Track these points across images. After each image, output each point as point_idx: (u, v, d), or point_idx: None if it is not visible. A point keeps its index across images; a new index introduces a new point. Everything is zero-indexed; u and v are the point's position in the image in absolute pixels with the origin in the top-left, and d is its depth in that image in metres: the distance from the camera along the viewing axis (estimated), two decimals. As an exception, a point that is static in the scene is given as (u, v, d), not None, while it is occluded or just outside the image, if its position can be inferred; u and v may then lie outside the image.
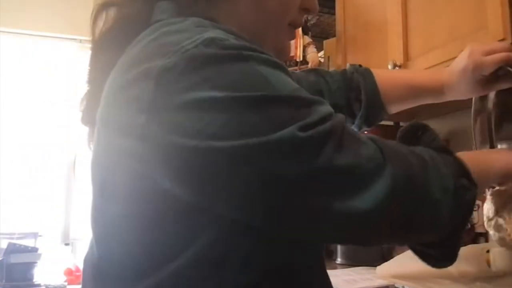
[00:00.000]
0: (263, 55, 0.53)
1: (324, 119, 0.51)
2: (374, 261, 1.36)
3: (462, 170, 0.58)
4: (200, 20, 0.58)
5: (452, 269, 0.97)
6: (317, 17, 2.20)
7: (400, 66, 1.46)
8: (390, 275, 1.14)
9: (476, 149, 0.99)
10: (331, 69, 2.00)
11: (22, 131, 3.08)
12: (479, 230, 1.44)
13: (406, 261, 1.08)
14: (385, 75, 0.98)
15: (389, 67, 1.47)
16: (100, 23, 0.67)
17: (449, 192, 0.55)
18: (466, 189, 0.57)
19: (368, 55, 1.73)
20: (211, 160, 0.49)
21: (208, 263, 0.52)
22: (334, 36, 1.98)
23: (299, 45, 2.01)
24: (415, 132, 0.64)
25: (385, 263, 1.19)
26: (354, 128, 0.97)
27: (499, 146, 0.97)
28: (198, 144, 0.48)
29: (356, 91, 0.94)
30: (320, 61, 2.06)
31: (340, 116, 0.54)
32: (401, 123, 1.94)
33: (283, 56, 0.73)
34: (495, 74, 0.86)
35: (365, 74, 0.96)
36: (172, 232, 0.53)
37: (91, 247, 0.62)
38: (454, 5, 1.29)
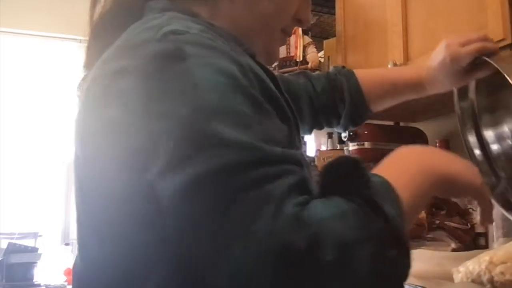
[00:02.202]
0: (212, 57, 0.50)
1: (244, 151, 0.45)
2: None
3: (394, 236, 0.46)
4: (175, 15, 0.58)
5: (453, 269, 0.97)
6: (317, 17, 2.20)
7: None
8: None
9: (463, 137, 1.02)
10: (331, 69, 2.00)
11: (22, 131, 3.07)
12: (479, 230, 1.44)
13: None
14: (367, 74, 1.00)
15: (389, 67, 1.47)
16: (99, 9, 0.67)
17: (374, 276, 0.44)
18: (396, 261, 0.46)
19: (368, 55, 1.72)
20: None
21: (189, 273, 0.49)
22: (334, 36, 1.97)
23: (299, 45, 2.00)
24: (344, 168, 0.49)
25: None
26: (340, 128, 0.99)
27: (485, 133, 1.00)
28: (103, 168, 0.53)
29: (340, 92, 0.96)
30: (320, 61, 2.06)
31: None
32: (401, 123, 1.95)
33: (272, 60, 0.74)
34: (472, 64, 0.88)
35: (348, 74, 0.98)
36: (152, 238, 0.51)
37: (77, 256, 0.61)
38: (454, 5, 1.29)
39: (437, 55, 0.91)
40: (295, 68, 2.01)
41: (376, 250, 0.44)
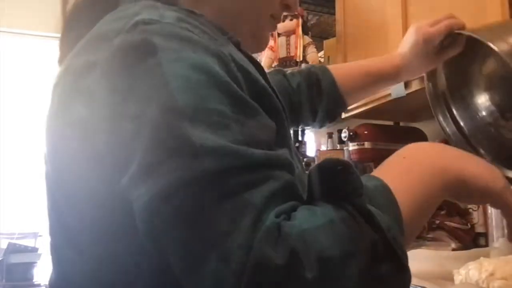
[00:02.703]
0: (186, 50, 0.46)
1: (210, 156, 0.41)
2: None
3: (388, 249, 0.41)
4: (150, 3, 0.54)
5: (454, 270, 0.97)
6: (317, 17, 2.20)
7: (400, 66, 1.46)
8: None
9: (438, 120, 1.03)
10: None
11: (22, 131, 3.08)
12: (479, 230, 1.44)
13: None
14: (341, 68, 1.00)
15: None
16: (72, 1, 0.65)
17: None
18: (390, 277, 0.41)
19: (368, 55, 1.72)
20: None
21: (172, 283, 0.45)
22: (334, 36, 1.98)
23: (299, 45, 2.00)
24: (332, 172, 0.43)
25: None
26: (316, 124, 0.98)
27: (457, 113, 1.02)
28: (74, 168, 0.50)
29: (316, 86, 0.95)
30: (320, 61, 2.06)
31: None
32: (401, 123, 1.94)
33: (262, 46, 0.72)
34: (442, 44, 0.91)
35: (322, 69, 0.98)
36: (131, 248, 0.48)
37: (51, 274, 0.58)
38: (454, 5, 1.29)
39: (408, 40, 0.93)
40: (295, 68, 2.01)
41: (367, 265, 0.39)
